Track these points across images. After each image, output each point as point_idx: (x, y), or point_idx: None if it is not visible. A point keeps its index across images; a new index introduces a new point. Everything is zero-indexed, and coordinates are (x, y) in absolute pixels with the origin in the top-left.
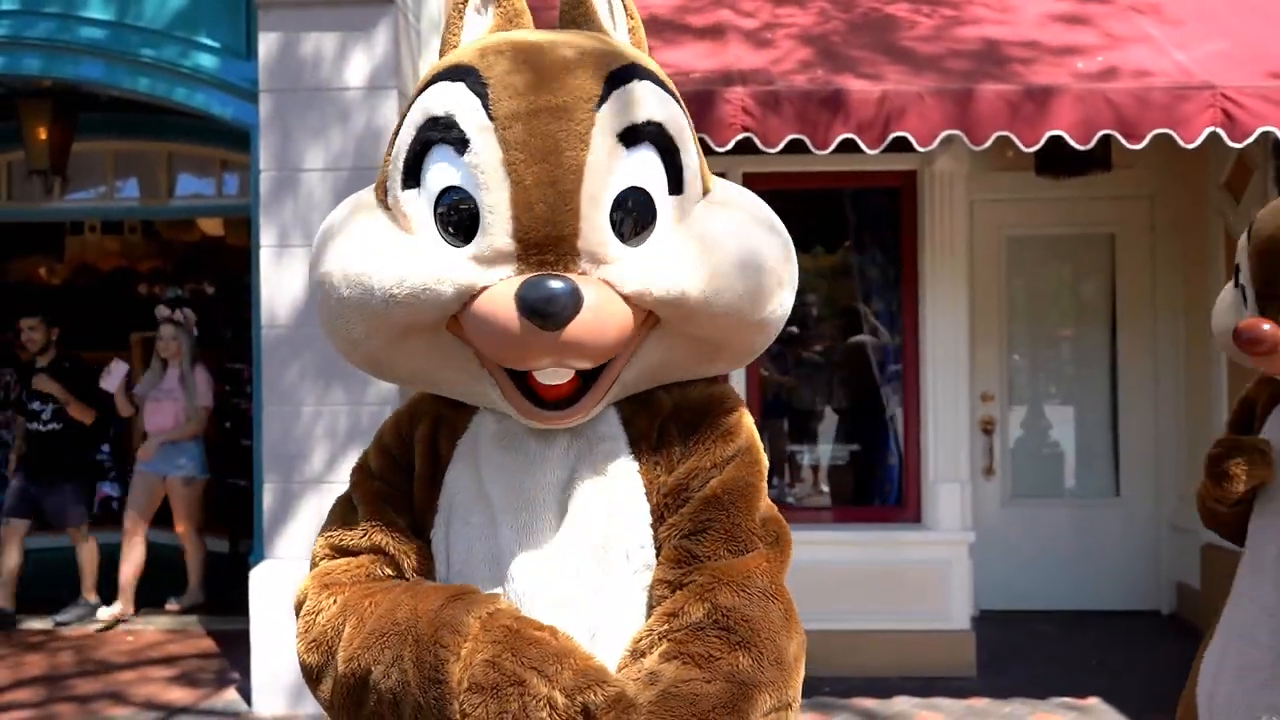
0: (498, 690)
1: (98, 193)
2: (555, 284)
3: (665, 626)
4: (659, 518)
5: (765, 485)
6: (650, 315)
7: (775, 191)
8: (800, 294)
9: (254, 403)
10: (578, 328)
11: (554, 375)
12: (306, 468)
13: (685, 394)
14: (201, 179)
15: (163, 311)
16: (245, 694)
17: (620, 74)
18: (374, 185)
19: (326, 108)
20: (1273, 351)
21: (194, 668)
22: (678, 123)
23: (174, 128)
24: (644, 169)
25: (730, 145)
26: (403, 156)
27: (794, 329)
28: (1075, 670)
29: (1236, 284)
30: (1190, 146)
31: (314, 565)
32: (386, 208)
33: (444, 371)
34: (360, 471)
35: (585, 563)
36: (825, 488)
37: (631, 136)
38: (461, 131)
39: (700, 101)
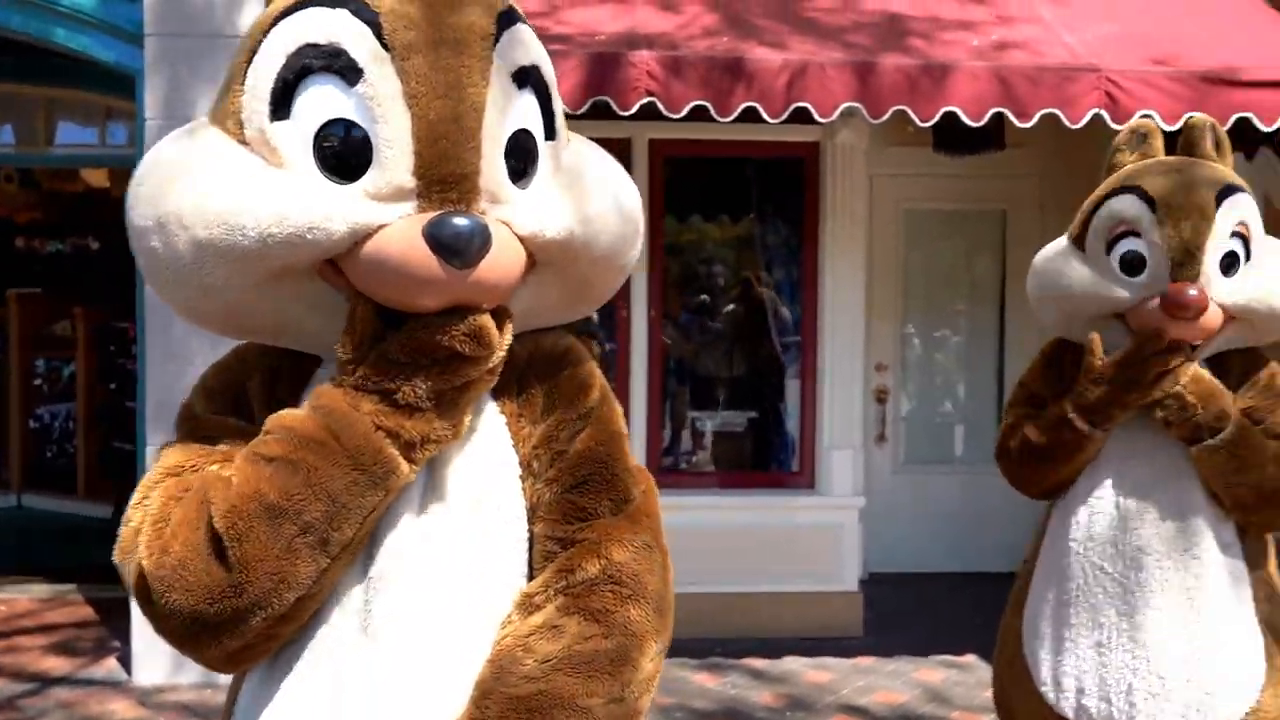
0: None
1: None
2: (467, 221)
3: (562, 583)
4: (528, 468)
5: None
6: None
7: (682, 158)
8: (705, 262)
9: (138, 361)
10: (487, 267)
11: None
12: None
13: (539, 345)
14: (84, 127)
15: None
16: (125, 663)
17: (507, 14)
18: (211, 119)
19: (213, 53)
20: (1197, 317)
21: (71, 636)
22: (550, 68)
23: (54, 71)
24: (529, 112)
25: (635, 109)
26: (268, 86)
27: (700, 296)
28: (957, 629)
29: (1107, 251)
30: (1076, 127)
31: (133, 513)
32: (243, 142)
33: (311, 320)
34: (189, 413)
35: (462, 514)
36: (723, 454)
37: (521, 78)
38: (352, 60)
39: (605, 64)
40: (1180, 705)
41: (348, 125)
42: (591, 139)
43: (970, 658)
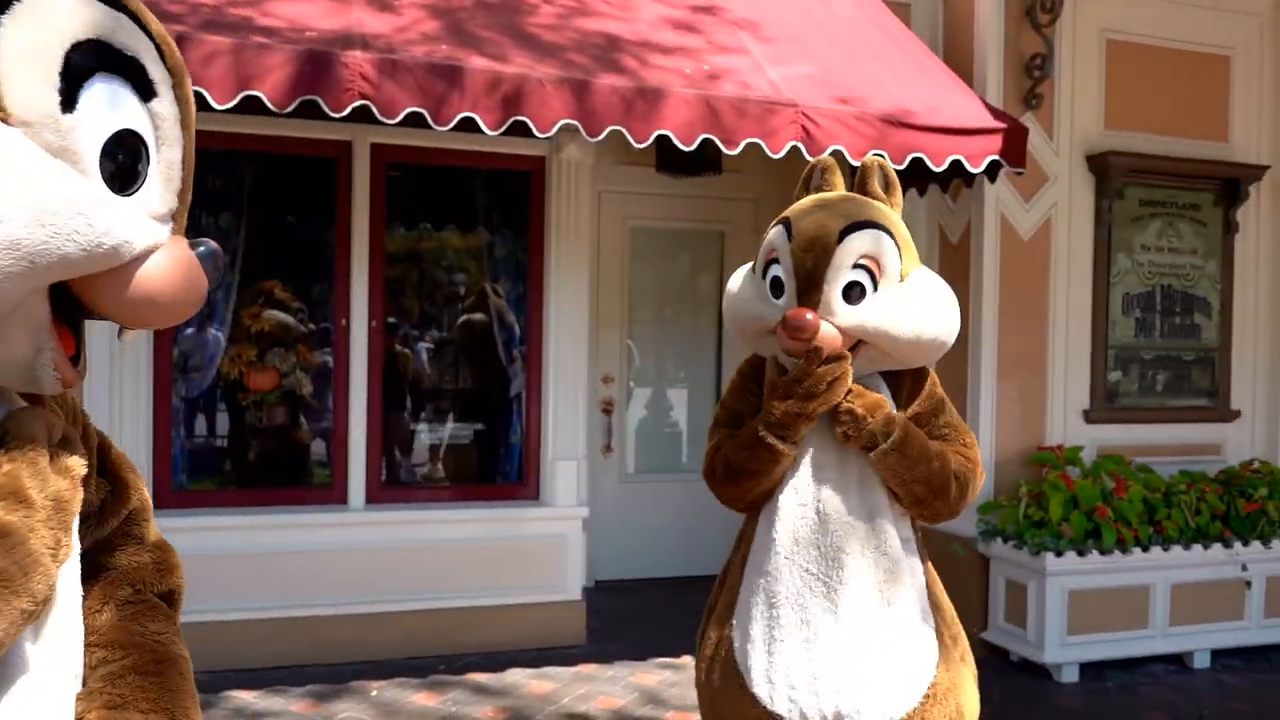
0: None
1: None
2: (215, 245)
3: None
4: None
5: None
6: None
7: (407, 165)
8: (432, 272)
9: None
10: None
11: (136, 334)
12: None
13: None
14: None
15: None
16: None
17: None
18: None
19: None
20: (811, 339)
21: None
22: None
23: None
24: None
25: (347, 111)
26: (55, 70)
27: (426, 306)
28: (676, 632)
29: (763, 276)
30: (776, 156)
31: None
32: (5, 120)
33: (12, 331)
34: None
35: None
36: (448, 466)
37: None
38: (148, 75)
39: (316, 62)
40: (875, 690)
41: (136, 138)
42: (307, 139)
43: (686, 659)
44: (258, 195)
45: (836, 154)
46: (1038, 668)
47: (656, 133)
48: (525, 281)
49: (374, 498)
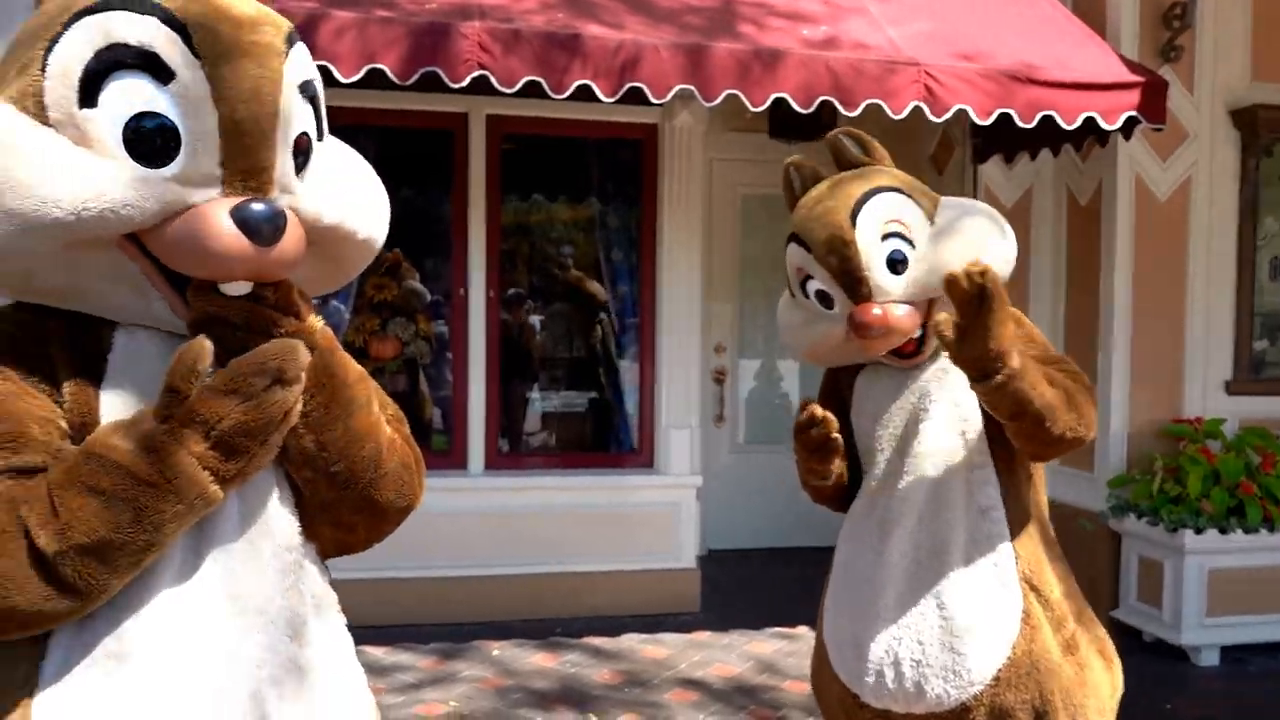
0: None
1: None
2: (268, 207)
3: None
4: None
5: None
6: None
7: (521, 136)
8: (543, 242)
9: None
10: (283, 246)
11: (235, 287)
12: None
13: None
14: None
15: None
16: None
17: (290, 36)
18: (9, 96)
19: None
20: (888, 332)
21: None
22: (320, 82)
23: None
24: (309, 118)
25: (466, 81)
26: (77, 76)
27: (540, 276)
28: (790, 602)
29: (805, 295)
30: (898, 118)
31: None
32: (45, 123)
33: (108, 285)
34: None
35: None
36: (562, 434)
37: (303, 89)
38: (164, 63)
39: (435, 34)
40: (939, 669)
41: (157, 118)
42: (426, 112)
43: (802, 629)
44: (379, 168)
45: (962, 113)
46: (1172, 649)
47: (773, 96)
48: (637, 251)
49: (492, 464)
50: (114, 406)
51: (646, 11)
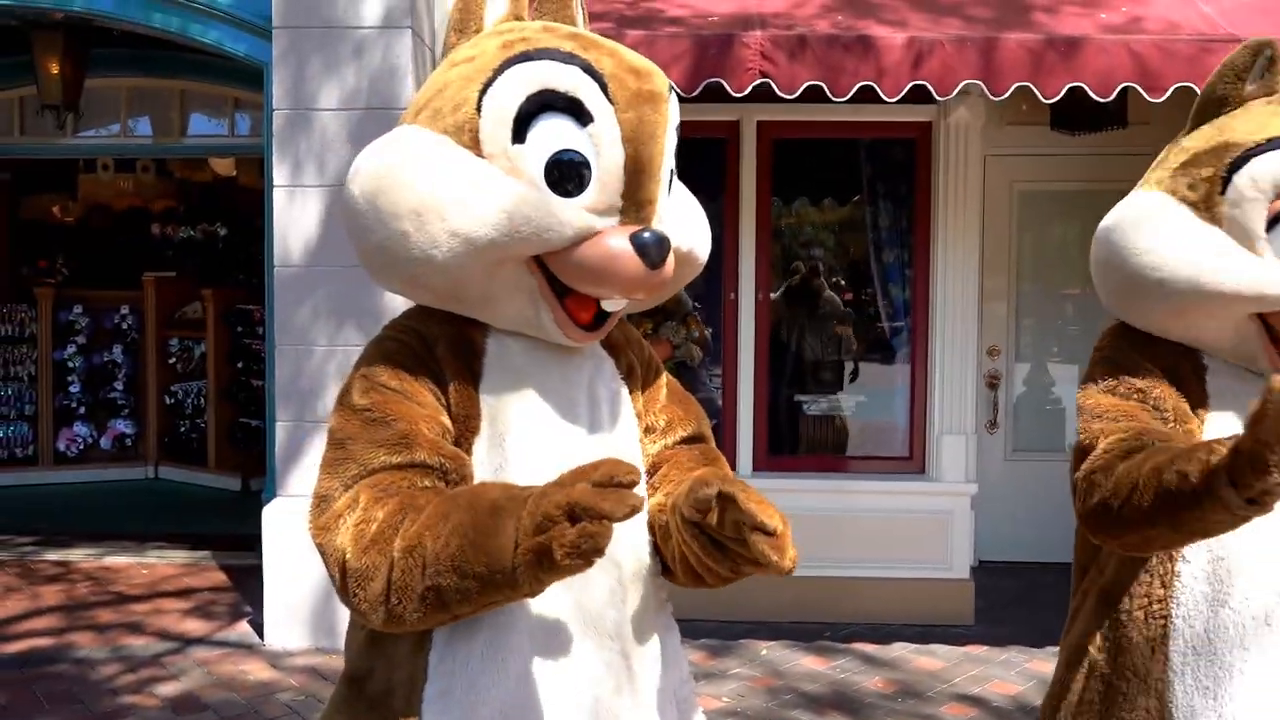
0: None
1: (110, 130)
2: (658, 234)
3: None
4: (646, 431)
5: None
6: None
7: (792, 141)
8: (812, 245)
9: (266, 342)
10: (666, 268)
11: (613, 304)
12: (318, 406)
13: (624, 328)
14: (214, 118)
15: None
16: (258, 627)
17: (670, 86)
18: (434, 127)
19: (340, 46)
20: None
21: (207, 601)
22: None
23: (187, 65)
24: (673, 154)
25: (747, 90)
26: (511, 115)
27: (808, 280)
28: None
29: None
30: None
31: (338, 496)
32: (479, 154)
33: (510, 294)
34: (371, 384)
35: (635, 455)
36: (831, 437)
37: (676, 130)
38: (586, 108)
39: (717, 45)
40: None
41: (574, 154)
42: (699, 121)
43: None
44: None
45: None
46: None
47: (1068, 85)
48: (909, 251)
49: (760, 465)
50: (489, 403)
51: (930, 7)
